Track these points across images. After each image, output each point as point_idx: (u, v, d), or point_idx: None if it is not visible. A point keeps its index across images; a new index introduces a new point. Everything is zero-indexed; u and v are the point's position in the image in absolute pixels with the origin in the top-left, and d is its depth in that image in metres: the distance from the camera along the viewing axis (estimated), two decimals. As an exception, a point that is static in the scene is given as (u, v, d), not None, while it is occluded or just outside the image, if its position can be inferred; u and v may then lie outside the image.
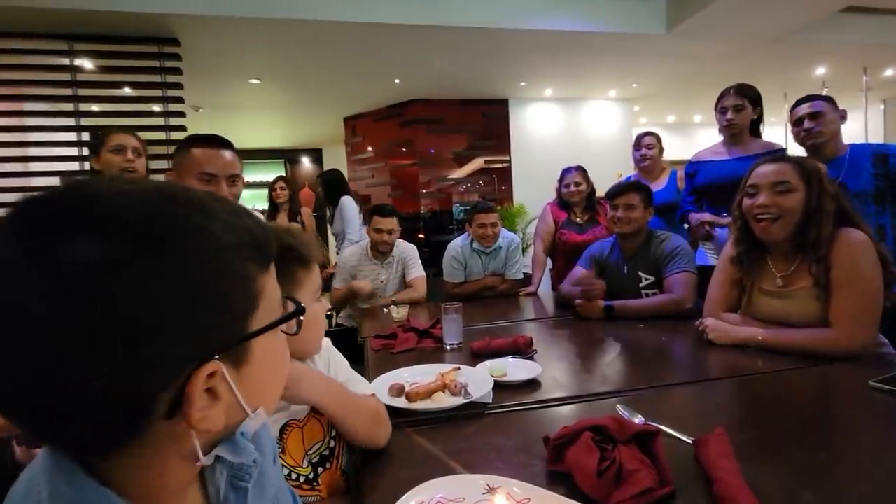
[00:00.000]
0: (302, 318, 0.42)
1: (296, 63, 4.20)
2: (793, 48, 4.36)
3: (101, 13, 3.08)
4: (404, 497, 0.62)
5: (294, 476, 0.72)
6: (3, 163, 3.34)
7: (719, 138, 2.20)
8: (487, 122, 5.70)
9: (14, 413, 0.30)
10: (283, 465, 0.71)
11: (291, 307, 0.41)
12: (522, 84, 5.19)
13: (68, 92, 3.41)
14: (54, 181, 3.54)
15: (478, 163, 5.78)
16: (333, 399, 0.77)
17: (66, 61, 3.37)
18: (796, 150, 1.95)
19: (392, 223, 2.38)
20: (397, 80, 4.82)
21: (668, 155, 2.69)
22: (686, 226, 2.52)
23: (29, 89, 3.47)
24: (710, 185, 2.15)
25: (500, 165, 5.78)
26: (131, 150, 1.81)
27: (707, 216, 2.10)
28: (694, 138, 7.62)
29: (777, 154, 1.45)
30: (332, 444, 0.79)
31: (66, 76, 3.39)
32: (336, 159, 6.89)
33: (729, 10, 3.49)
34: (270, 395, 0.42)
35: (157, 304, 0.29)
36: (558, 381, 1.15)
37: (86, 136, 3.51)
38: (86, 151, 3.49)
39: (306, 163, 8.16)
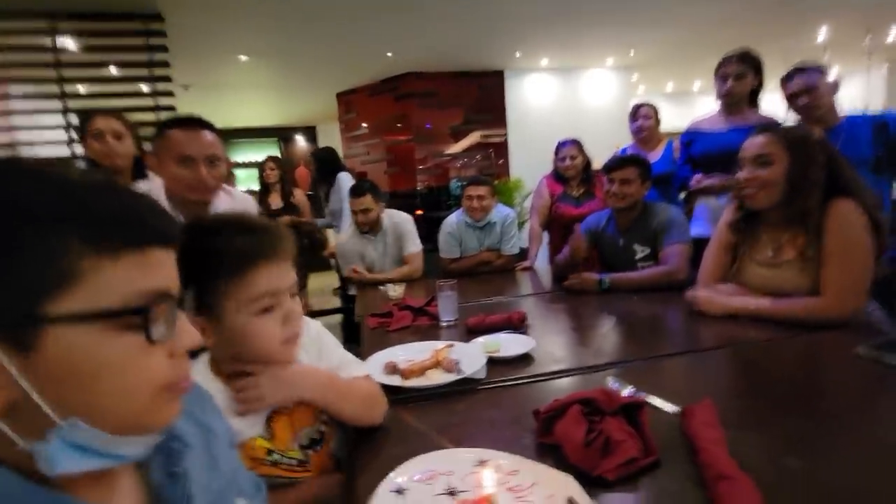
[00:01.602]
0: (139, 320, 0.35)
1: (285, 38, 4.09)
2: (794, 9, 4.24)
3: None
4: (394, 472, 0.63)
5: (284, 460, 0.73)
6: (-9, 147, 3.29)
7: (720, 104, 2.16)
8: (483, 95, 5.59)
9: None
10: (272, 451, 0.72)
11: (166, 310, 0.36)
12: (518, 54, 5.07)
13: (52, 74, 3.33)
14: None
15: (474, 137, 5.70)
16: (321, 393, 0.77)
17: (48, 41, 3.29)
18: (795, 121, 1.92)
19: (364, 202, 2.33)
20: (390, 54, 4.71)
21: (668, 124, 2.65)
22: (683, 195, 2.50)
23: (12, 72, 3.38)
24: (706, 156, 2.12)
25: (496, 139, 5.70)
26: (111, 133, 1.76)
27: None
28: (693, 106, 7.49)
29: (766, 125, 1.43)
30: (323, 427, 0.80)
31: (49, 57, 3.31)
32: (330, 137, 6.80)
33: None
34: (107, 403, 0.34)
35: None
36: (552, 355, 1.17)
37: (74, 120, 3.46)
38: (74, 135, 3.45)
39: (301, 141, 8.05)
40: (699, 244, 1.71)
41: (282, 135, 7.91)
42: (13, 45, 3.23)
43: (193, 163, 1.21)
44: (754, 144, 1.25)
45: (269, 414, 0.74)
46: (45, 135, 3.35)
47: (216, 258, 0.65)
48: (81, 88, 3.52)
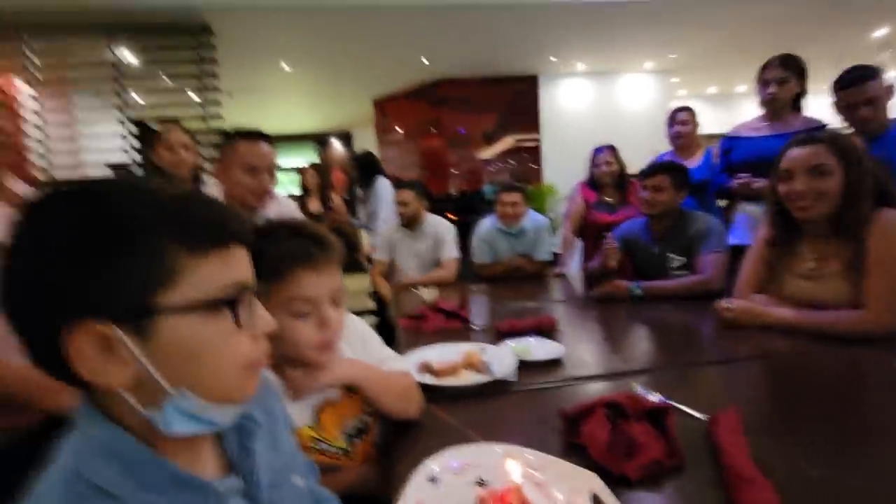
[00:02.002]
0: (233, 309, 0.41)
1: (324, 47, 4.25)
2: (847, 9, 4.06)
3: (140, 7, 3.21)
4: (427, 461, 0.68)
5: (331, 449, 0.79)
6: (57, 155, 3.57)
7: (763, 110, 2.10)
8: (517, 100, 5.61)
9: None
10: (319, 439, 0.78)
11: (247, 298, 0.42)
12: (552, 59, 5.07)
13: (112, 85, 3.59)
14: (104, 171, 3.77)
15: (507, 141, 5.73)
16: (365, 377, 0.83)
17: (109, 55, 3.55)
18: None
19: (403, 195, 2.51)
20: (425, 61, 4.81)
21: (711, 128, 2.60)
22: (723, 203, 2.44)
23: (77, 84, 3.67)
24: (747, 163, 2.07)
25: (530, 144, 5.70)
26: (182, 146, 1.95)
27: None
28: (737, 109, 7.24)
29: (809, 133, 1.39)
30: (367, 419, 0.86)
31: (110, 70, 3.57)
32: (366, 142, 6.97)
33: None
34: (205, 379, 0.40)
35: (45, 263, 0.36)
36: (581, 361, 1.19)
37: (132, 128, 3.72)
38: (133, 142, 3.70)
39: (336, 144, 8.27)
40: (738, 253, 1.68)
41: (319, 140, 8.15)
42: (78, 60, 3.51)
43: (257, 172, 1.33)
44: (806, 154, 1.21)
45: (318, 405, 0.79)
46: (104, 142, 3.62)
47: (259, 259, 0.70)
48: (137, 98, 3.78)
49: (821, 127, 1.98)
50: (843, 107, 1.74)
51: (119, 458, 0.38)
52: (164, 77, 3.66)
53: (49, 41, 3.42)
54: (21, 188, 1.03)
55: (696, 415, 0.80)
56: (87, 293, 0.36)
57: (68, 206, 0.37)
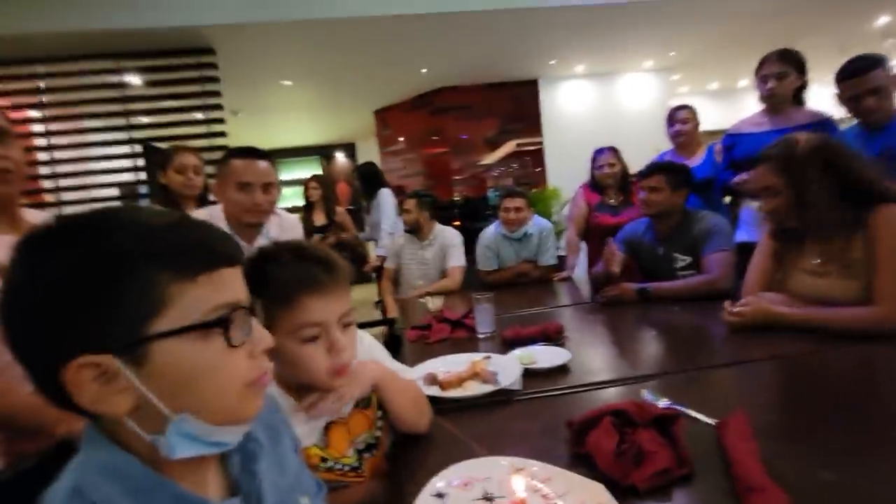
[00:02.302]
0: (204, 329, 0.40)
1: (324, 61, 4.30)
2: (846, -1, 4.03)
3: (145, 30, 3.28)
4: (435, 478, 0.67)
5: (338, 466, 0.78)
6: (66, 178, 3.64)
7: (763, 105, 2.09)
8: (517, 104, 5.62)
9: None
10: (326, 458, 0.78)
11: (239, 317, 0.43)
12: (552, 62, 5.08)
13: (119, 108, 3.66)
14: (112, 192, 3.84)
15: (510, 146, 5.73)
16: (382, 376, 0.85)
17: (115, 79, 3.62)
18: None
19: (406, 203, 2.61)
20: (424, 70, 4.84)
21: (714, 124, 2.58)
22: (727, 199, 2.43)
23: (84, 108, 3.74)
24: (750, 159, 2.04)
25: (532, 147, 5.70)
26: (192, 169, 1.99)
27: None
28: (740, 104, 7.18)
29: (811, 128, 1.38)
30: (378, 433, 0.86)
31: (116, 93, 3.64)
32: (369, 152, 7.02)
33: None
34: (205, 401, 0.41)
35: (41, 301, 0.37)
36: (588, 367, 1.18)
37: (137, 148, 3.78)
38: (139, 163, 3.76)
39: (340, 158, 8.35)
40: (746, 250, 1.66)
41: (323, 152, 8.24)
42: (86, 84, 3.58)
43: (250, 189, 1.34)
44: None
45: (326, 423, 0.79)
46: (112, 164, 3.68)
47: (267, 283, 0.70)
48: (143, 119, 3.84)
49: (825, 119, 1.96)
50: (846, 98, 1.72)
51: (120, 477, 0.39)
52: (168, 98, 3.71)
53: (60, 68, 3.50)
54: (33, 216, 1.05)
55: (705, 419, 0.79)
56: (82, 328, 0.37)
57: (60, 244, 0.38)
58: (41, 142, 3.51)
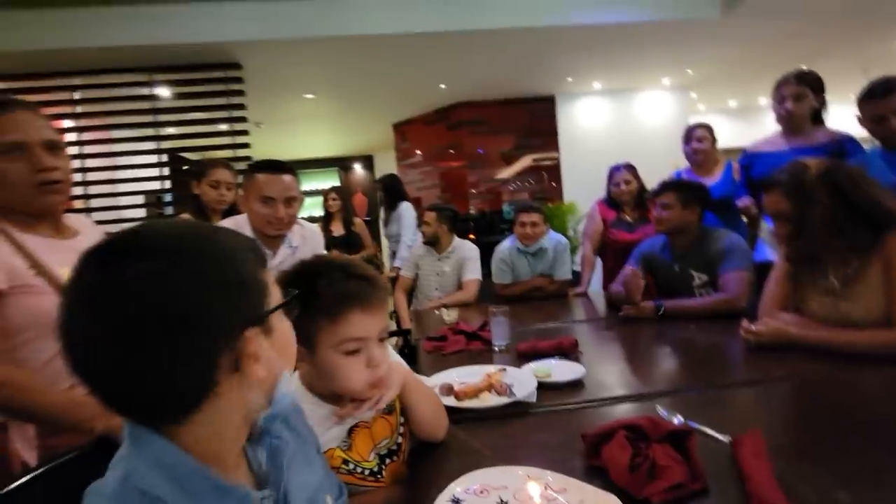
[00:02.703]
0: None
1: (346, 76, 4.40)
2: (870, 17, 3.99)
3: (175, 46, 3.42)
4: (452, 485, 0.69)
5: (359, 470, 0.80)
6: (95, 185, 3.78)
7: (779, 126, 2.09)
8: (534, 120, 5.67)
9: (110, 394, 0.42)
10: (349, 460, 0.80)
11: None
12: (569, 80, 5.12)
13: (149, 119, 3.81)
14: (138, 199, 3.96)
15: (526, 161, 5.77)
16: (410, 378, 0.88)
17: (146, 91, 3.77)
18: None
19: (426, 215, 2.65)
20: (443, 86, 4.93)
21: (733, 142, 2.57)
22: (745, 219, 2.41)
23: (116, 119, 3.90)
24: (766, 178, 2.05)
25: (548, 163, 5.73)
26: (225, 185, 2.08)
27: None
28: (760, 122, 7.12)
29: (832, 148, 1.38)
30: (399, 440, 0.88)
31: (146, 105, 3.79)
32: (387, 165, 7.12)
33: (791, -13, 3.27)
34: (288, 362, 0.52)
35: (195, 297, 0.41)
36: (603, 383, 1.19)
37: (164, 158, 3.91)
38: (165, 172, 3.89)
39: (358, 169, 8.47)
40: (764, 270, 1.65)
41: (342, 164, 8.37)
42: (119, 95, 3.74)
43: (273, 203, 1.39)
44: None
45: (351, 426, 0.82)
46: (139, 171, 3.81)
47: (316, 297, 0.74)
48: (171, 130, 3.98)
49: (846, 139, 1.95)
50: (869, 119, 1.71)
51: (167, 468, 0.42)
52: (195, 110, 3.84)
53: (94, 80, 3.66)
54: (74, 221, 1.11)
55: (719, 437, 0.80)
56: (231, 316, 0.45)
57: (188, 255, 0.43)
58: (74, 150, 3.66)
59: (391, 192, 3.77)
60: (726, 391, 1.08)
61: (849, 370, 1.08)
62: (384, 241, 3.90)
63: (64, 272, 0.95)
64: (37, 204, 0.96)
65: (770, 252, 2.10)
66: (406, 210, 3.66)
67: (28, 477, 0.69)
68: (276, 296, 0.49)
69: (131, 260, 0.40)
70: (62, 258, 0.97)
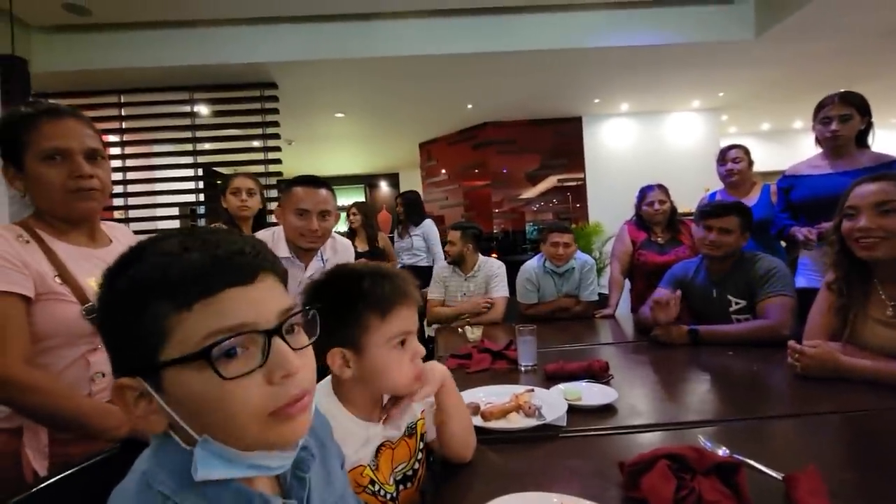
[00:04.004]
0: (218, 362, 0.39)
1: (376, 95, 4.51)
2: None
3: (216, 66, 3.57)
4: (482, 509, 0.66)
5: (382, 493, 0.78)
6: (134, 197, 3.93)
7: (821, 148, 2.02)
8: (560, 141, 5.66)
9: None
10: (374, 481, 0.78)
11: (244, 343, 0.41)
12: (596, 101, 5.11)
13: (188, 135, 3.96)
14: (173, 211, 4.10)
15: (551, 181, 5.74)
16: (452, 384, 0.88)
17: (187, 108, 3.94)
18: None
19: (451, 235, 2.59)
20: (470, 106, 4.98)
21: (767, 165, 2.50)
22: (784, 244, 2.32)
23: (157, 134, 4.07)
24: (809, 201, 1.97)
25: (574, 183, 5.69)
26: (245, 191, 2.14)
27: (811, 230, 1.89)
28: (795, 146, 6.93)
29: (879, 171, 1.31)
30: (416, 465, 0.86)
31: (186, 121, 3.95)
32: (412, 183, 7.21)
33: (827, 10, 3.21)
34: (221, 431, 0.40)
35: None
36: (636, 408, 1.13)
37: (200, 172, 4.06)
38: (200, 185, 4.02)
39: (384, 187, 8.61)
40: (805, 296, 1.57)
41: (368, 181, 8.53)
42: (160, 112, 3.91)
43: (308, 216, 1.42)
44: (872, 191, 1.17)
45: (378, 445, 0.80)
46: (176, 184, 3.95)
47: (363, 299, 0.75)
48: (207, 145, 4.12)
49: (892, 161, 1.86)
50: None
51: (187, 474, 0.41)
52: (231, 127, 3.98)
53: (138, 98, 3.85)
54: (109, 228, 1.13)
55: (771, 473, 0.74)
56: (119, 352, 0.42)
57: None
58: (116, 163, 3.82)
59: (414, 207, 3.78)
60: (772, 423, 1.01)
61: (908, 406, 1.00)
62: (403, 257, 3.89)
63: (90, 282, 0.96)
64: (71, 210, 0.98)
65: (814, 277, 2.00)
66: (431, 227, 3.67)
67: (53, 480, 0.69)
68: (187, 343, 0.39)
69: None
70: (91, 267, 0.98)
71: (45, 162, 0.93)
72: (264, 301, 0.43)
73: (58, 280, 0.93)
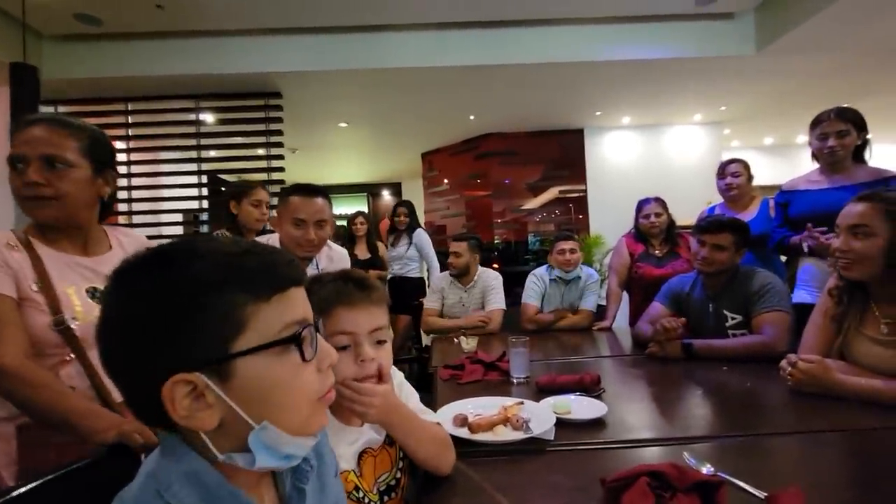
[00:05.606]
0: (307, 343, 0.45)
1: (379, 106, 4.55)
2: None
3: (222, 75, 3.63)
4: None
5: (367, 501, 0.78)
6: (139, 202, 3.97)
7: (817, 163, 2.02)
8: (562, 152, 5.68)
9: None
10: (359, 487, 0.78)
11: (308, 334, 0.46)
12: (598, 113, 5.14)
13: (193, 142, 4.01)
14: (176, 217, 4.13)
15: (552, 192, 5.75)
16: (407, 420, 0.84)
17: (192, 117, 3.99)
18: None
19: (457, 246, 2.58)
20: (472, 117, 5.02)
21: (770, 180, 2.49)
22: (784, 258, 2.30)
23: (163, 141, 4.13)
24: (807, 216, 1.96)
25: (575, 195, 5.70)
26: (265, 203, 2.20)
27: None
28: (798, 160, 6.91)
29: (876, 187, 1.31)
30: (399, 475, 0.85)
31: (192, 129, 4.00)
32: (414, 192, 7.24)
33: (829, 25, 3.22)
34: (282, 413, 0.44)
35: (134, 331, 0.41)
36: (625, 423, 1.12)
37: (204, 179, 4.10)
38: (204, 192, 4.06)
39: (386, 196, 8.64)
40: (803, 311, 1.56)
41: (370, 190, 8.57)
42: (167, 120, 3.97)
43: (304, 225, 1.43)
44: (852, 213, 1.18)
45: (359, 452, 0.80)
46: (180, 190, 3.99)
47: (311, 300, 0.76)
48: (212, 153, 4.17)
49: (890, 177, 1.86)
50: None
51: (198, 484, 0.42)
52: (236, 135, 4.03)
53: (145, 106, 3.91)
54: (118, 238, 1.13)
55: (753, 491, 0.73)
56: (174, 350, 0.41)
57: (146, 275, 0.42)
58: (122, 169, 3.87)
59: (415, 216, 3.83)
60: (762, 441, 1.00)
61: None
62: (393, 267, 3.90)
63: (70, 291, 0.95)
64: (32, 216, 0.97)
65: (814, 292, 1.98)
66: (423, 235, 3.70)
67: (40, 481, 0.69)
68: (263, 332, 0.43)
69: (133, 271, 0.43)
70: (75, 277, 0.98)
71: (11, 169, 0.95)
72: (307, 301, 0.49)
73: (34, 287, 0.92)
